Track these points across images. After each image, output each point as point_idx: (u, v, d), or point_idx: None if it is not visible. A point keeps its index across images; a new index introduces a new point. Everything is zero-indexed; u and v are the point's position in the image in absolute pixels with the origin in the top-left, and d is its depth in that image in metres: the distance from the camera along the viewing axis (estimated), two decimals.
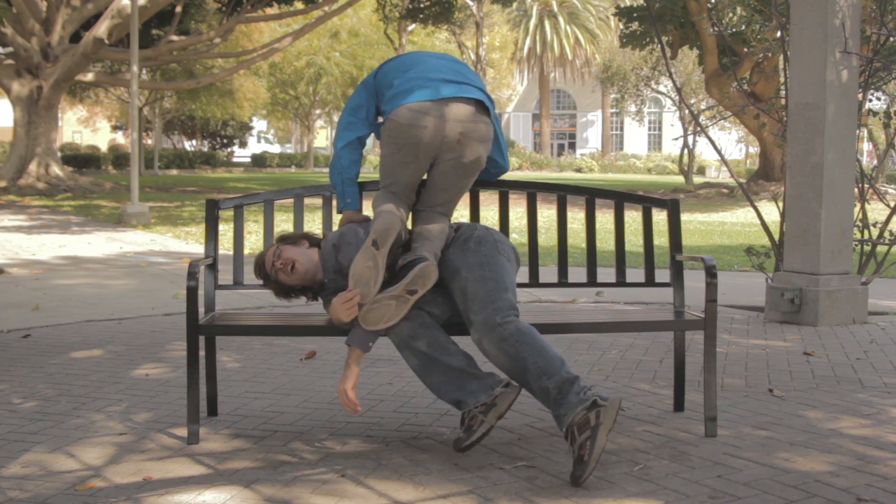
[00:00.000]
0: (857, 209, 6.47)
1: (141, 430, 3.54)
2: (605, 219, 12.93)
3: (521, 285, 3.87)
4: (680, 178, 35.37)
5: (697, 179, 34.76)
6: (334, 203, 3.72)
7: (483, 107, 3.31)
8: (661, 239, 10.14)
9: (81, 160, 38.42)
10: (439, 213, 3.42)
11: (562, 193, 3.90)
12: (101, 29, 20.76)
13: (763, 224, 7.16)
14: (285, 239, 3.53)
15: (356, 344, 3.18)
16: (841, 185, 5.96)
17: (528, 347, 3.05)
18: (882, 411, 3.84)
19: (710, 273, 3.36)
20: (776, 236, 6.96)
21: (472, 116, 3.25)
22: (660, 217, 11.71)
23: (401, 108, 3.23)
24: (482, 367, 3.24)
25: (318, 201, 4.59)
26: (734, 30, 16.02)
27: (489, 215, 12.75)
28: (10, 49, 21.97)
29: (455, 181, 3.37)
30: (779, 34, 7.21)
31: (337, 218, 3.73)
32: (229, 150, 55.48)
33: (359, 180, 3.63)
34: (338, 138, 3.58)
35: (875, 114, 7.80)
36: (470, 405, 3.12)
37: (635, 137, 60.50)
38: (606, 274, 3.94)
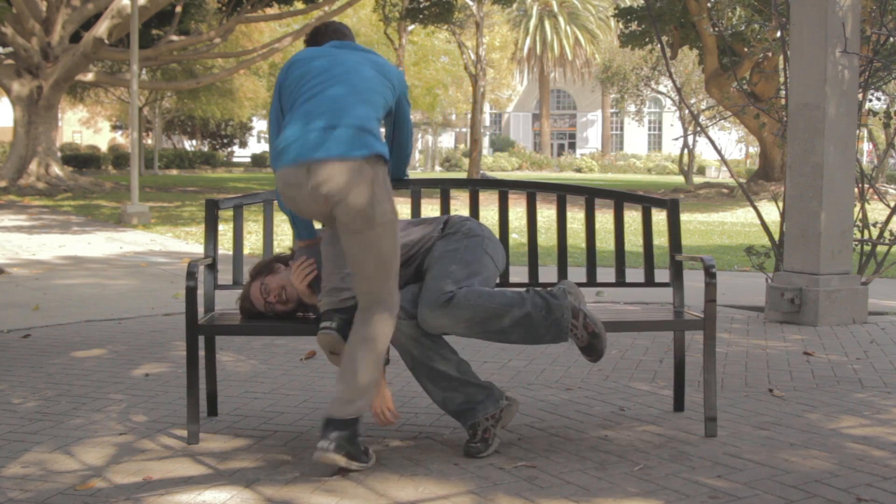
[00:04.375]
0: (857, 209, 6.47)
1: (141, 430, 3.54)
2: (605, 219, 12.94)
3: (521, 285, 3.87)
4: (680, 178, 35.37)
5: (697, 179, 34.76)
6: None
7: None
8: (660, 239, 10.14)
9: (81, 160, 38.37)
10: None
11: (562, 193, 3.91)
12: (101, 29, 20.76)
13: (763, 224, 7.16)
14: (261, 272, 3.46)
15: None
16: (841, 185, 5.96)
17: (484, 296, 3.12)
18: (882, 411, 3.84)
19: (710, 273, 3.36)
20: (776, 236, 6.96)
21: (334, 174, 2.89)
22: (659, 217, 11.71)
23: (278, 173, 3.01)
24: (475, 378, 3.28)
25: None
26: (734, 30, 16.02)
27: (489, 215, 12.74)
28: (10, 49, 21.97)
29: (346, 242, 3.00)
30: (779, 34, 7.21)
31: None
32: (229, 150, 55.47)
33: None
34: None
35: (875, 114, 7.80)
36: (479, 416, 3.18)
37: (635, 137, 60.48)
38: (606, 274, 3.95)
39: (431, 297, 3.10)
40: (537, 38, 55.02)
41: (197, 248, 11.42)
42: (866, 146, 23.62)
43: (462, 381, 3.20)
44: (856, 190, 6.40)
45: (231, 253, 3.84)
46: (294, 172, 2.94)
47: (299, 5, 25.75)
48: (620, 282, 3.90)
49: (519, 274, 3.94)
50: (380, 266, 2.98)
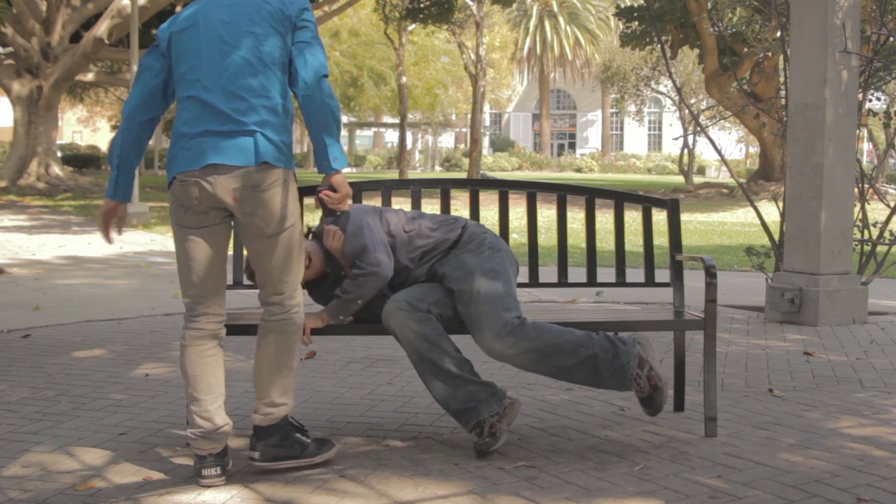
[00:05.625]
0: (857, 209, 6.47)
1: (141, 430, 3.54)
2: (605, 219, 12.93)
3: (521, 285, 3.87)
4: (680, 178, 35.35)
5: (697, 179, 34.74)
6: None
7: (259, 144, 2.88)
8: (661, 239, 10.14)
9: (81, 160, 38.36)
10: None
11: (562, 193, 3.91)
12: (101, 29, 20.76)
13: (763, 224, 7.16)
14: None
15: (328, 313, 3.28)
16: (841, 185, 5.96)
17: (553, 330, 3.17)
18: (882, 411, 3.84)
19: (710, 273, 3.36)
20: (776, 236, 6.96)
21: (241, 175, 2.86)
22: (660, 217, 11.69)
23: (174, 182, 2.93)
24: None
25: None
26: (734, 30, 16.02)
27: (489, 215, 12.74)
28: (10, 49, 21.96)
29: (251, 244, 3.02)
30: (779, 34, 7.21)
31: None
32: None
33: (356, 180, 3.59)
34: (131, 111, 3.05)
35: (875, 114, 7.80)
36: (484, 414, 3.18)
37: (635, 137, 60.45)
38: (606, 274, 3.95)
39: (497, 325, 3.12)
40: (537, 38, 54.99)
41: None
42: (866, 146, 23.63)
43: (465, 379, 3.20)
44: (856, 190, 6.40)
45: (231, 253, 3.83)
46: (198, 173, 2.87)
47: None
48: (621, 282, 3.90)
49: (519, 274, 3.93)
50: (288, 268, 3.01)
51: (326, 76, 2.97)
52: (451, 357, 3.20)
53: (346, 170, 3.14)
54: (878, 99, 9.33)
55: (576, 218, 10.72)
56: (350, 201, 3.09)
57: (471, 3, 29.69)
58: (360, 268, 3.23)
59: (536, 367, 3.20)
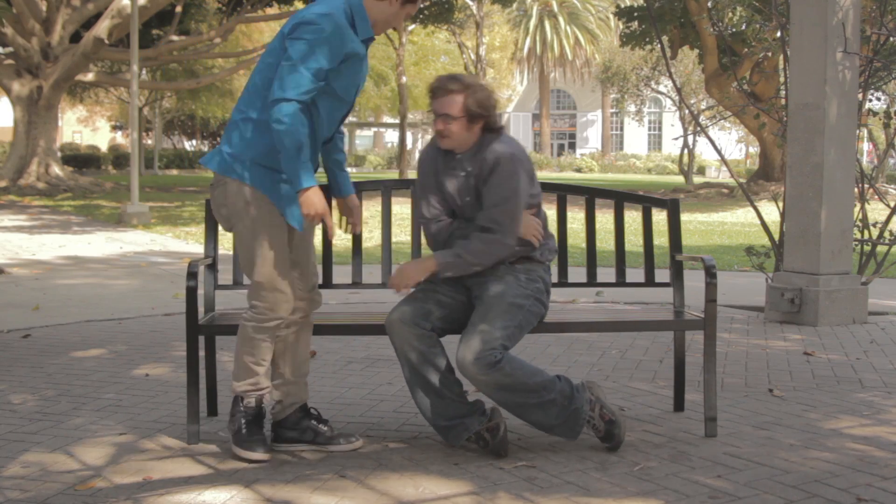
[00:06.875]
0: (857, 209, 6.47)
1: (141, 430, 3.54)
2: (605, 219, 12.93)
3: None
4: (680, 178, 35.35)
5: (697, 179, 34.73)
6: (335, 205, 3.61)
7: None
8: (661, 239, 10.14)
9: (81, 160, 38.35)
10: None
11: (562, 193, 3.91)
12: (102, 29, 20.75)
13: (763, 224, 7.16)
14: (473, 109, 3.21)
15: (440, 265, 3.23)
16: (841, 185, 5.96)
17: (527, 371, 3.15)
18: (882, 411, 3.84)
19: (710, 273, 3.36)
20: (776, 236, 6.96)
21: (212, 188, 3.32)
22: (660, 217, 11.68)
23: None
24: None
25: None
26: (734, 30, 16.01)
27: None
28: (10, 49, 21.96)
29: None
30: (779, 34, 7.21)
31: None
32: None
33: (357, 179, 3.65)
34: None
35: (875, 114, 7.80)
36: (474, 427, 3.20)
37: (635, 137, 60.43)
38: (606, 274, 3.95)
39: (483, 351, 3.05)
40: (537, 38, 54.96)
41: (197, 248, 11.42)
42: (866, 146, 23.63)
43: (453, 399, 3.22)
44: (856, 190, 6.40)
45: (231, 253, 3.83)
46: None
47: (299, 5, 25.75)
48: (620, 282, 3.90)
49: None
50: (245, 265, 3.25)
51: (284, 100, 2.97)
52: (443, 376, 3.21)
53: (347, 170, 3.41)
54: (878, 99, 9.33)
55: (576, 218, 10.72)
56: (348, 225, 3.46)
57: (471, 3, 29.70)
58: (492, 231, 3.19)
59: (495, 396, 3.18)
